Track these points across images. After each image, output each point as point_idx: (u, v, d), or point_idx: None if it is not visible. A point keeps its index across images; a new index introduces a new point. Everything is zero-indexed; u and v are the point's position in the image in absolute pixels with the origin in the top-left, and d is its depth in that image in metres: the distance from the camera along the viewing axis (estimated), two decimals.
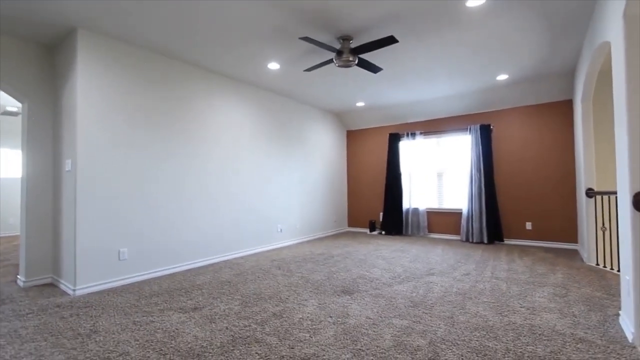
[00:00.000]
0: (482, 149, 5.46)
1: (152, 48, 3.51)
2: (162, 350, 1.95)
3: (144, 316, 2.47)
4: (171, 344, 2.03)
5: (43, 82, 3.39)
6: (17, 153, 6.94)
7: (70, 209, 3.08)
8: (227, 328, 2.24)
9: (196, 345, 2.00)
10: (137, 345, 2.01)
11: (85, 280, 3.04)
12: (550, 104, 5.08)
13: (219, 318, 2.41)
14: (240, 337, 2.10)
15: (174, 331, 2.21)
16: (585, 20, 3.04)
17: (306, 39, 2.95)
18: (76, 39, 3.06)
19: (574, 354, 1.86)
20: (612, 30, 2.25)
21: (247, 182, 4.73)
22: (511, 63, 4.08)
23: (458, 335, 2.09)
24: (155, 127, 3.63)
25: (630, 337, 1.99)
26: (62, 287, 3.16)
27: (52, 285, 3.28)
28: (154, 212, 3.59)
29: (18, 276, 3.42)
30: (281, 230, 5.32)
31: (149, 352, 1.93)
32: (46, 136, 3.41)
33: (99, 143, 3.18)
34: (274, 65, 4.06)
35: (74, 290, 2.97)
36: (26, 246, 3.26)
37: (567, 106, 4.95)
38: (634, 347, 1.91)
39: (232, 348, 1.96)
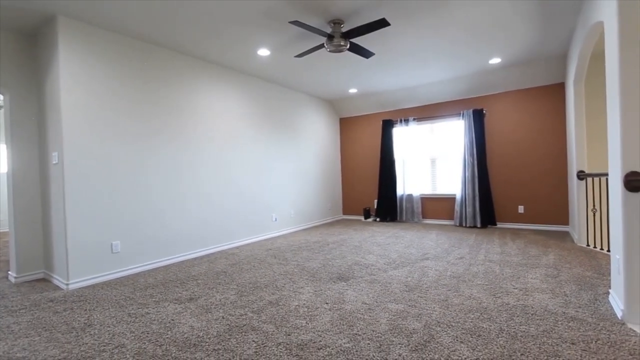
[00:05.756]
0: (475, 133, 5.46)
1: (137, 35, 3.40)
2: (158, 341, 1.95)
3: (139, 308, 2.46)
4: (167, 334, 2.02)
5: (25, 73, 3.27)
6: (2, 147, 6.76)
7: (59, 202, 3.02)
8: (223, 317, 2.24)
9: (192, 335, 2.00)
10: (132, 337, 2.00)
11: (78, 274, 3.00)
12: (543, 87, 5.07)
13: (214, 308, 2.41)
14: (237, 326, 2.10)
15: (169, 322, 2.20)
16: (577, 1, 3.00)
17: (296, 22, 2.88)
18: (56, 27, 2.94)
19: (565, 332, 1.89)
20: (606, 9, 2.23)
21: (240, 172, 4.68)
22: (504, 46, 4.04)
23: (453, 318, 2.12)
24: (144, 118, 3.54)
25: (619, 314, 2.03)
26: (55, 281, 3.12)
27: (45, 280, 3.24)
28: (146, 204, 3.54)
29: (9, 272, 3.37)
30: (276, 219, 5.30)
31: (144, 343, 1.93)
32: (31, 129, 3.31)
33: (86, 134, 3.09)
34: (264, 52, 3.97)
35: (66, 284, 2.94)
36: (16, 242, 3.20)
37: (558, 89, 4.94)
38: (623, 324, 1.96)
39: (228, 337, 1.96)
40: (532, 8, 3.11)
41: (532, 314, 2.13)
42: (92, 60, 3.14)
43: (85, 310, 2.46)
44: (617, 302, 2.12)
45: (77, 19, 3.03)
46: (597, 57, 4.48)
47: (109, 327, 2.16)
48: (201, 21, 3.16)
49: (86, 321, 2.26)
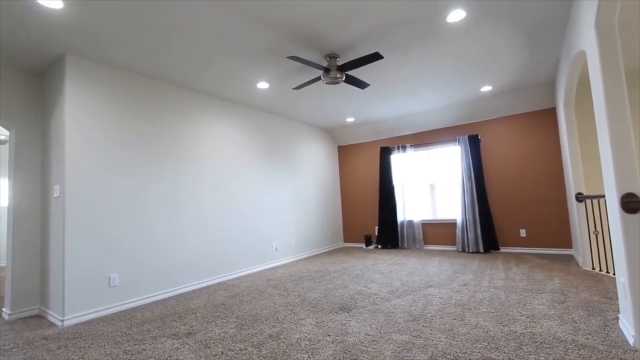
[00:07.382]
0: (472, 159, 5.54)
1: (140, 71, 3.54)
2: None
3: (135, 344, 2.38)
4: None
5: (31, 109, 3.38)
6: (3, 181, 6.81)
7: (59, 235, 3.01)
8: (222, 353, 2.17)
9: None
10: None
11: (74, 309, 2.93)
12: (535, 112, 5.21)
13: (213, 343, 2.34)
14: None
15: (167, 359, 2.12)
16: (560, 30, 3.17)
17: (294, 58, 3.01)
18: (64, 65, 3.07)
19: None
20: (586, 40, 2.35)
21: (240, 202, 4.69)
22: (494, 74, 4.20)
23: (459, 348, 2.05)
24: (144, 149, 3.61)
25: (631, 341, 1.97)
26: (50, 318, 3.04)
27: (40, 317, 3.15)
28: (145, 236, 3.52)
29: (3, 309, 3.29)
30: (276, 248, 5.25)
31: None
32: (34, 163, 3.36)
33: (88, 168, 3.14)
34: (263, 85, 4.12)
35: (62, 320, 2.86)
36: (12, 277, 3.15)
37: (551, 114, 5.08)
38: (636, 351, 1.89)
39: None
40: (518, 38, 3.27)
41: (540, 342, 2.07)
42: (96, 95, 3.26)
43: (80, 347, 2.38)
44: (627, 327, 2.07)
45: (84, 57, 3.17)
46: (585, 82, 4.64)
47: None
48: (203, 59, 3.31)
49: (80, 359, 2.18)
